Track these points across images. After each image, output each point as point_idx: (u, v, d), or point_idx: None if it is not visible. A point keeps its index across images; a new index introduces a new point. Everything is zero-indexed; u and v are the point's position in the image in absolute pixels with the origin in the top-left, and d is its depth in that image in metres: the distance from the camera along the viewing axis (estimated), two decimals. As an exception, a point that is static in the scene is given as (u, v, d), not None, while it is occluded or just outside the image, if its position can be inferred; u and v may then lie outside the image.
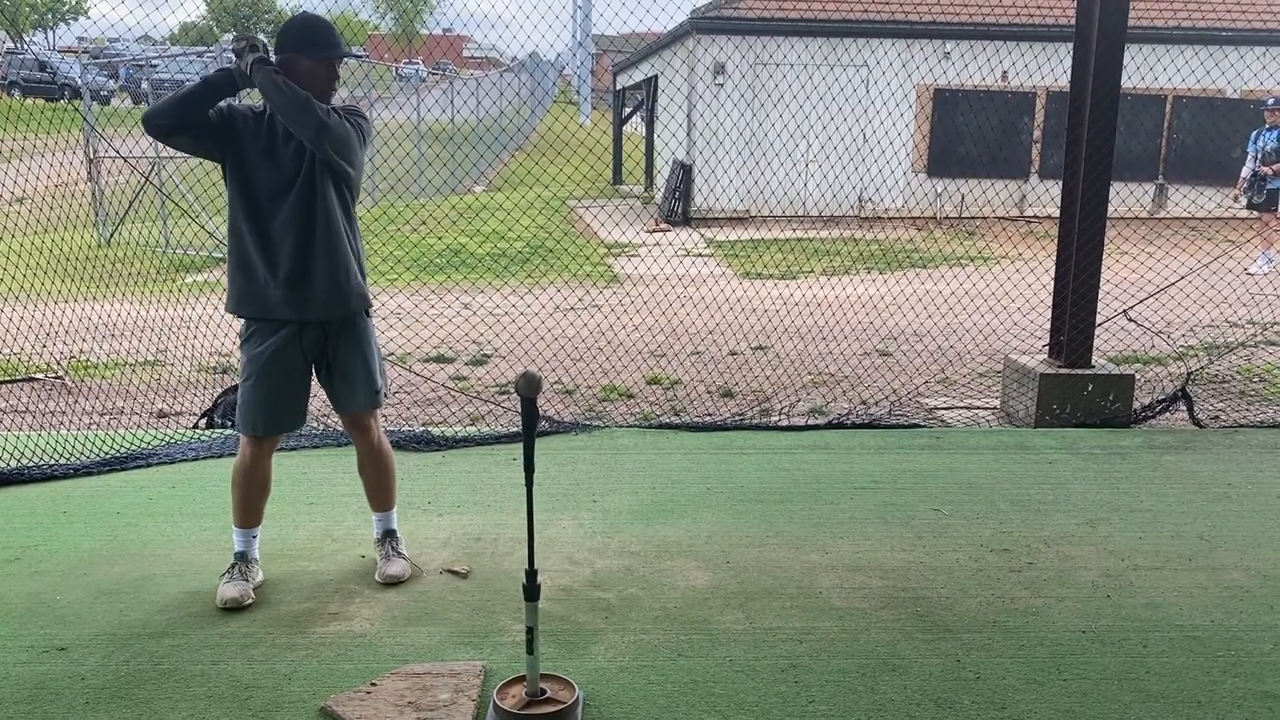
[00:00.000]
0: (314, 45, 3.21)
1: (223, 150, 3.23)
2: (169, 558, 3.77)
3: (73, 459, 4.86)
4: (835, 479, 4.67)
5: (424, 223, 13.70)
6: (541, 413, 5.63)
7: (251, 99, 3.52)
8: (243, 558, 3.45)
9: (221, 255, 12.30)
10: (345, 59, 3.31)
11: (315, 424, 5.68)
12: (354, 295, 3.36)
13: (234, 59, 3.14)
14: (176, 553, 3.81)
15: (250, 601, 3.35)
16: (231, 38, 3.21)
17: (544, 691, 2.76)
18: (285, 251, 3.24)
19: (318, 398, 3.57)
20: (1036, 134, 17.54)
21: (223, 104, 3.22)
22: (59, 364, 7.36)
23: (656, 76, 20.52)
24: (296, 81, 3.16)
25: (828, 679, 2.93)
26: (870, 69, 16.88)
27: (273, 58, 3.19)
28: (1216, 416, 5.82)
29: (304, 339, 3.34)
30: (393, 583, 3.52)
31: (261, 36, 3.19)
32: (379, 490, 3.66)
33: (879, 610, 3.36)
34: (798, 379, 7.04)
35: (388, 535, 3.67)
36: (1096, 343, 5.83)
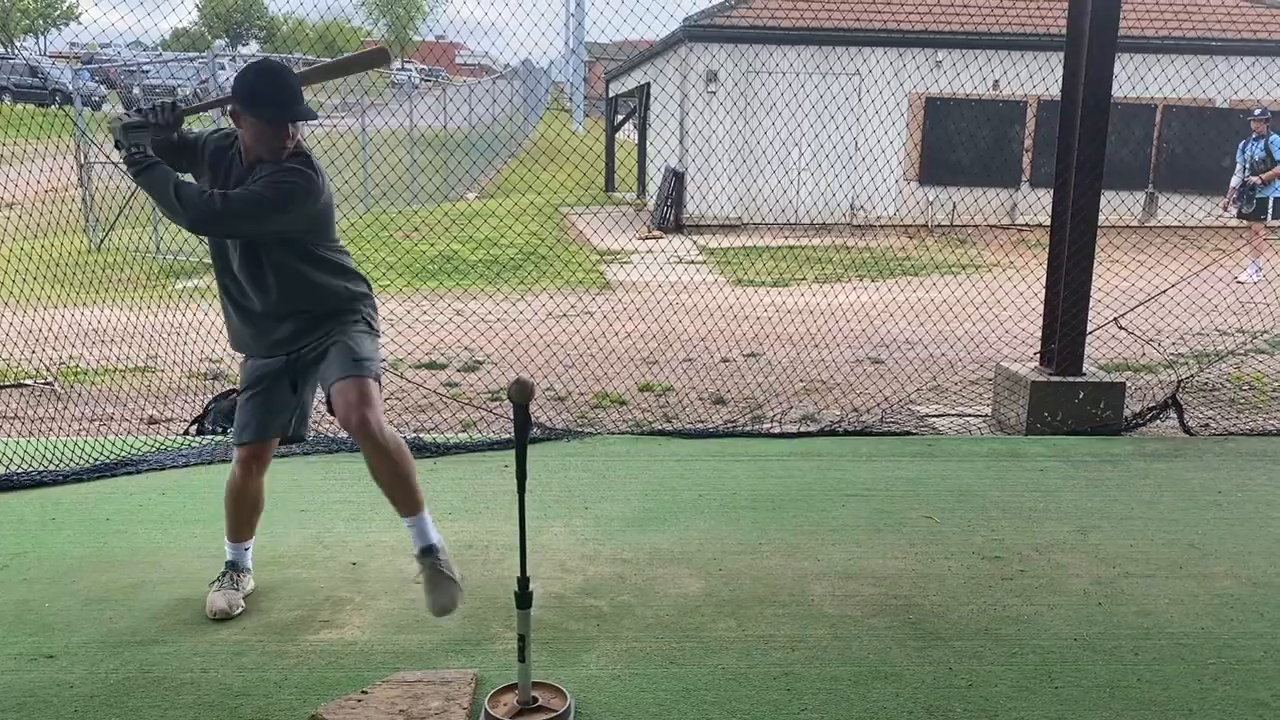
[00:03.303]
0: (260, 104, 3.01)
1: (194, 171, 3.18)
2: (159, 565, 3.75)
3: (62, 465, 4.84)
4: (827, 486, 4.67)
5: (416, 229, 13.68)
6: (533, 419, 5.62)
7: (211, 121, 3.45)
8: (234, 566, 3.44)
9: (211, 260, 12.26)
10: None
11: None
12: (324, 326, 3.21)
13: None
14: (166, 560, 3.79)
15: (240, 611, 3.34)
16: (116, 121, 3.02)
17: (536, 700, 2.75)
18: (248, 295, 3.18)
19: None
20: (1028, 143, 17.61)
21: (191, 134, 3.16)
22: (49, 370, 7.33)
23: (649, 84, 20.55)
24: (245, 137, 3.08)
25: (820, 686, 2.93)
26: (862, 77, 16.93)
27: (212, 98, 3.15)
28: (1207, 424, 5.83)
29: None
30: (443, 614, 3.13)
31: (124, 116, 3.01)
32: (397, 488, 3.13)
33: (871, 618, 3.36)
34: (790, 386, 7.04)
35: (426, 552, 3.15)
36: (1087, 350, 5.85)
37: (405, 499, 3.15)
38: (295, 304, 3.17)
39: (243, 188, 3.04)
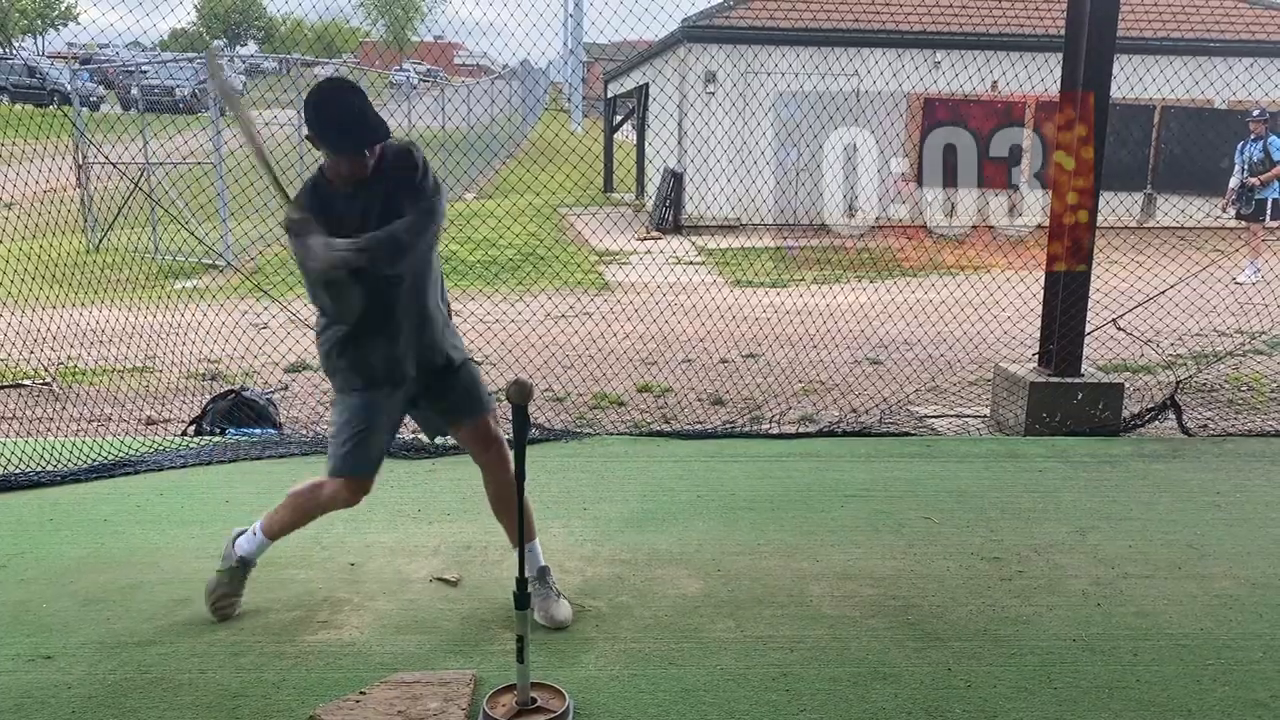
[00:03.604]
0: (325, 133, 2.90)
1: None
2: (157, 565, 3.74)
3: (60, 466, 4.83)
4: (826, 487, 4.67)
5: (415, 230, 13.68)
6: (532, 420, 5.62)
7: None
8: (245, 564, 3.35)
9: (210, 261, 12.27)
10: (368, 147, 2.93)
11: (304, 431, 5.67)
12: (435, 351, 3.18)
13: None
14: (164, 560, 3.79)
15: (238, 612, 3.33)
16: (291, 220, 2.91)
17: (534, 700, 2.75)
18: (372, 325, 3.05)
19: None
20: (1026, 143, 17.61)
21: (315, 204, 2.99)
22: (47, 370, 7.32)
23: (648, 85, 20.54)
24: (325, 161, 2.97)
25: (819, 687, 2.93)
26: (861, 78, 16.94)
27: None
28: (1205, 425, 5.84)
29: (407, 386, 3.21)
30: (560, 627, 3.26)
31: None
32: (521, 516, 3.12)
33: (870, 618, 3.36)
34: (788, 387, 7.04)
35: (543, 573, 3.36)
36: (1086, 351, 5.85)
37: (527, 527, 3.22)
38: (413, 321, 3.08)
39: (410, 214, 2.93)
